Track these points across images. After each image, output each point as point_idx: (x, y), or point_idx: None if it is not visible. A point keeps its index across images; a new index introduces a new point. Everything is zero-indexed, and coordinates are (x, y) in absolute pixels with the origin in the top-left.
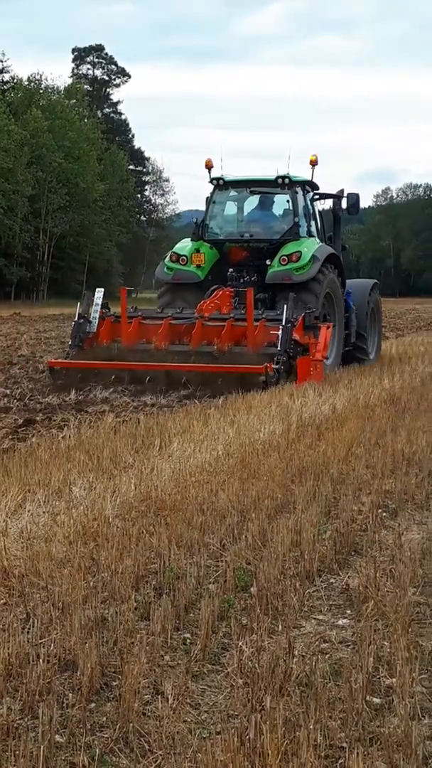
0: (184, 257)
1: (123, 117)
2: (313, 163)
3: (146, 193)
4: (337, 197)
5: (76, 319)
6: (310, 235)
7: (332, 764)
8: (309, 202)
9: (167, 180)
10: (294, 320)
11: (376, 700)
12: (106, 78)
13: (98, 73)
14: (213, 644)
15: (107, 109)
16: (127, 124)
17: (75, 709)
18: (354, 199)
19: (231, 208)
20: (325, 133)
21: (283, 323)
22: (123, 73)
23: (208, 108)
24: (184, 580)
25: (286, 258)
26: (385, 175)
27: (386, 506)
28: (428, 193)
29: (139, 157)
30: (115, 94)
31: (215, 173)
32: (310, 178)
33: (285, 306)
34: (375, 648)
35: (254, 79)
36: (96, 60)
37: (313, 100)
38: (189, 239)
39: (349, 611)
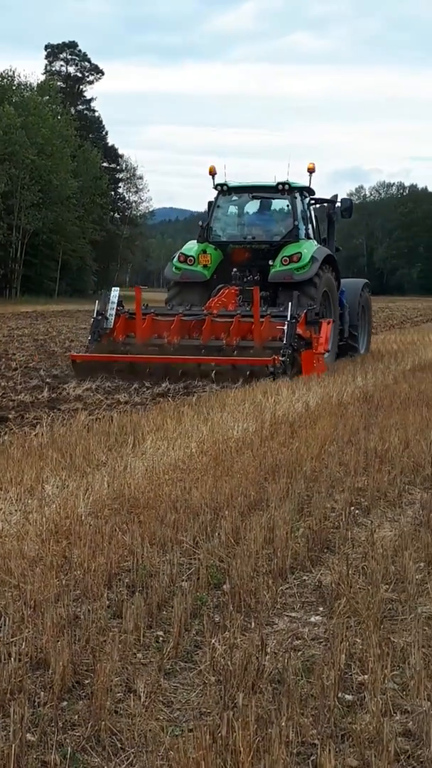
0: (192, 258)
1: (96, 114)
2: (311, 171)
3: (120, 190)
4: (331, 202)
5: (94, 315)
6: (308, 237)
7: (304, 761)
8: (306, 207)
9: (141, 177)
10: (298, 316)
11: (348, 697)
12: (80, 75)
13: (72, 69)
14: (186, 642)
15: (81, 106)
16: (101, 122)
17: (47, 708)
18: (348, 203)
19: (234, 212)
20: (299, 131)
21: (288, 319)
22: (96, 70)
23: (182, 105)
24: (157, 578)
25: (287, 258)
26: (358, 173)
27: (359, 503)
28: (401, 192)
29: (112, 154)
30: (89, 91)
31: (218, 179)
32: (307, 185)
33: (290, 303)
34: (347, 645)
35: (228, 77)
36: (69, 57)
37: (287, 98)
38: (195, 241)
39: (321, 608)
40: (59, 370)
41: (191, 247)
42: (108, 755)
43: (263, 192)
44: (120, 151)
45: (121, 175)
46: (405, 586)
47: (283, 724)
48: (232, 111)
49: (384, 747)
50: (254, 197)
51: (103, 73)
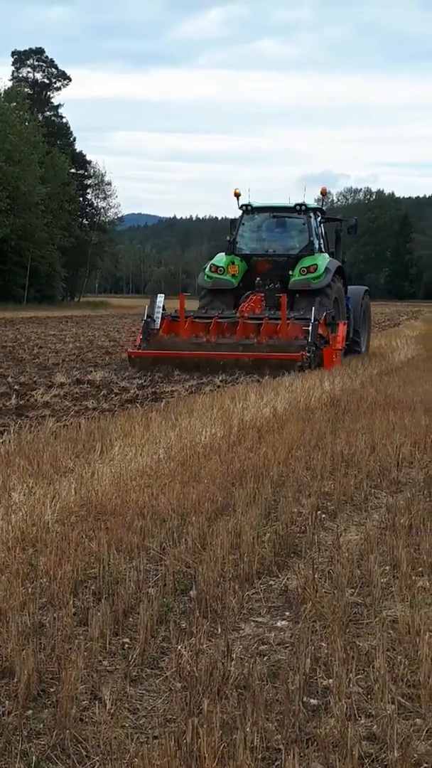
0: (222, 268)
1: (64, 120)
2: (324, 194)
3: (88, 196)
4: (339, 220)
5: (144, 318)
6: (321, 251)
7: (269, 766)
8: (318, 224)
9: (109, 183)
10: (319, 319)
11: (313, 701)
12: (47, 81)
13: (39, 76)
14: (152, 648)
15: (48, 113)
16: (69, 128)
17: (11, 717)
18: (352, 222)
19: (256, 229)
20: (267, 137)
21: (312, 321)
22: (64, 77)
23: (150, 111)
24: (123, 585)
25: (305, 269)
26: (327, 178)
27: (325, 508)
28: (368, 197)
29: (80, 160)
30: (56, 98)
31: (238, 199)
32: (320, 206)
33: (313, 308)
34: (312, 649)
35: (195, 83)
36: (36, 63)
37: (255, 103)
38: (223, 254)
39: (287, 613)
40: (27, 376)
41: (221, 258)
42: (73, 763)
43: (282, 212)
44: (88, 157)
45: (89, 181)
46: (370, 589)
47: (248, 729)
48: (199, 117)
49: (348, 751)
50: (274, 216)
51: (70, 80)
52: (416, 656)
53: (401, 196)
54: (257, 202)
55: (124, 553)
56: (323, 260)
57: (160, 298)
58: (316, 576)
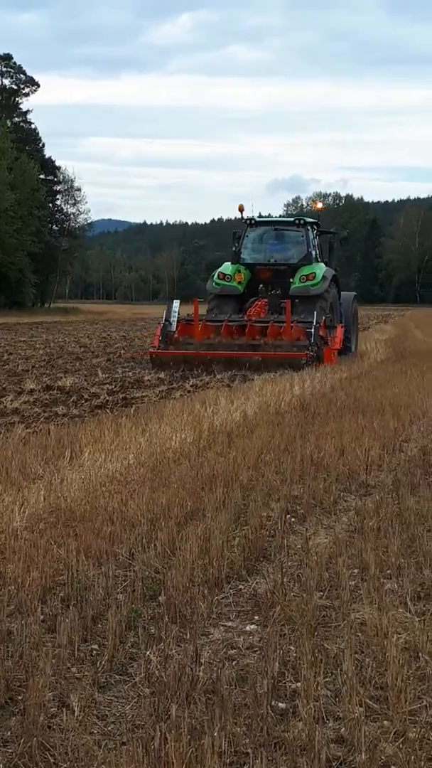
0: (229, 276)
1: (33, 126)
2: (320, 210)
3: (58, 202)
4: (332, 233)
5: (162, 322)
6: (317, 260)
7: None
8: (314, 236)
9: (79, 189)
10: (320, 322)
11: (281, 705)
12: (15, 87)
13: (7, 82)
14: (120, 655)
15: (17, 119)
16: (38, 134)
17: None
18: (344, 234)
19: (259, 240)
20: (237, 142)
21: (314, 324)
22: (32, 83)
23: (119, 117)
24: (92, 591)
25: (305, 277)
26: (297, 183)
27: (295, 511)
28: (337, 202)
29: (49, 166)
30: (25, 104)
31: (238, 213)
32: (316, 220)
33: (315, 312)
34: (281, 653)
35: (165, 89)
36: (4, 69)
37: (224, 109)
38: (229, 263)
39: (257, 617)
40: None
41: (227, 267)
42: None
43: (283, 225)
44: (57, 163)
45: (58, 187)
46: (339, 592)
47: (216, 734)
48: (169, 122)
49: (316, 754)
50: (275, 229)
51: (38, 86)
52: (384, 658)
53: (370, 201)
54: (260, 218)
55: (93, 560)
56: (320, 269)
57: (176, 304)
58: (285, 580)
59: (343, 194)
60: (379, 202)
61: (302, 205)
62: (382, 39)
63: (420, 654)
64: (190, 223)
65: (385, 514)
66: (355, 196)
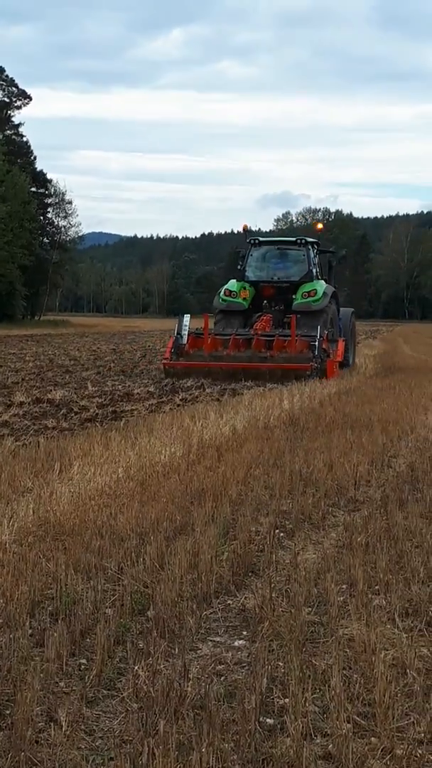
0: (234, 292)
1: (25, 139)
2: (320, 230)
3: (49, 215)
4: (331, 252)
5: (174, 335)
6: (318, 278)
7: None
8: (315, 255)
9: (70, 202)
10: (323, 337)
11: (269, 721)
12: (7, 100)
13: None
14: (109, 669)
15: (8, 131)
16: (29, 147)
17: None
18: (342, 253)
19: (262, 259)
20: (227, 157)
21: (318, 338)
22: (24, 95)
23: (110, 131)
24: (80, 605)
25: (306, 293)
26: (287, 198)
27: (283, 526)
28: (327, 217)
29: (41, 179)
30: (17, 116)
31: (240, 234)
32: (317, 240)
33: (318, 327)
34: (269, 669)
35: (156, 103)
36: None
37: (215, 124)
38: (235, 280)
39: (245, 632)
40: None
41: (233, 284)
42: None
43: (285, 245)
44: (49, 176)
45: (49, 200)
46: (327, 608)
47: (204, 750)
48: (160, 137)
49: None
50: (279, 249)
51: (30, 99)
52: (372, 675)
53: (359, 217)
54: (263, 238)
55: (82, 573)
56: (321, 286)
57: (186, 318)
58: (273, 595)
59: (332, 210)
60: (368, 218)
61: (292, 220)
62: (371, 55)
63: (408, 670)
64: (180, 237)
65: (373, 529)
66: (345, 211)
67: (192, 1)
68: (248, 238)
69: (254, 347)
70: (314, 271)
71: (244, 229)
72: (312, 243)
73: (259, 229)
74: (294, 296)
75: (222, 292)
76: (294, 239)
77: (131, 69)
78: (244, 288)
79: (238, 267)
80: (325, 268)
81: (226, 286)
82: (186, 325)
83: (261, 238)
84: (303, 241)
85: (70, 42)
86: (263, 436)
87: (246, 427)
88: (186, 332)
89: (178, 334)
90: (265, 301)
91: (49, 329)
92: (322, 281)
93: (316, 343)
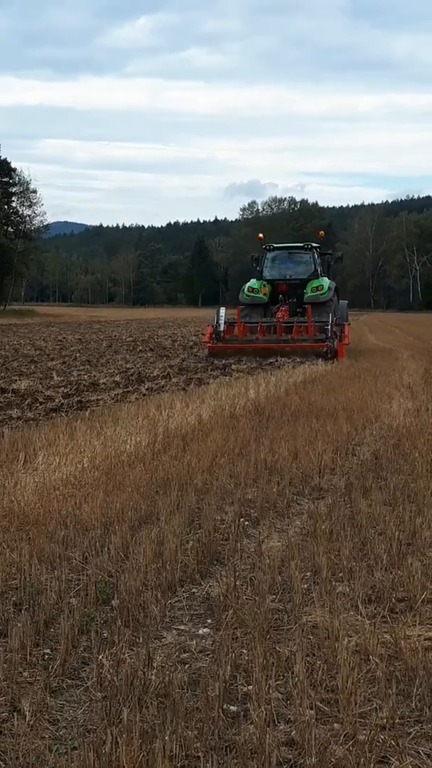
0: (256, 289)
1: None
2: (321, 237)
3: (13, 204)
4: (330, 254)
5: (214, 324)
6: (321, 275)
7: None
8: (318, 257)
9: (35, 191)
10: (332, 322)
11: (233, 708)
12: None
13: None
14: (73, 659)
15: None
16: None
17: None
18: (339, 254)
19: (276, 261)
20: (194, 146)
21: (329, 323)
22: None
23: (77, 119)
24: (44, 595)
25: (315, 288)
26: (255, 188)
27: (248, 515)
28: (292, 207)
29: (5, 168)
30: None
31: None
32: (319, 245)
33: (329, 314)
34: (233, 656)
35: (122, 91)
36: None
37: (182, 113)
38: (255, 279)
39: (209, 620)
40: None
41: (254, 282)
42: None
43: (295, 249)
44: (13, 165)
45: (14, 189)
46: (291, 596)
47: (167, 737)
48: (126, 125)
49: (267, 757)
50: (289, 252)
51: None
52: (335, 661)
53: (325, 206)
54: (275, 244)
55: (46, 563)
56: (326, 282)
57: (222, 310)
58: (238, 583)
59: (299, 199)
60: (334, 207)
61: (258, 210)
62: (340, 45)
63: (371, 657)
64: (146, 226)
65: (337, 517)
66: (311, 201)
67: None
68: (263, 244)
69: (277, 332)
70: (318, 269)
71: (259, 238)
72: (315, 247)
73: (225, 218)
74: (304, 291)
75: (246, 289)
76: (302, 244)
77: (98, 57)
78: (263, 285)
79: (256, 268)
80: (325, 267)
81: (248, 284)
82: (222, 316)
83: (274, 245)
84: (308, 245)
85: (36, 29)
86: (229, 425)
87: (212, 416)
88: (222, 321)
89: (216, 323)
90: (280, 296)
91: (15, 319)
92: (326, 278)
93: (329, 327)
